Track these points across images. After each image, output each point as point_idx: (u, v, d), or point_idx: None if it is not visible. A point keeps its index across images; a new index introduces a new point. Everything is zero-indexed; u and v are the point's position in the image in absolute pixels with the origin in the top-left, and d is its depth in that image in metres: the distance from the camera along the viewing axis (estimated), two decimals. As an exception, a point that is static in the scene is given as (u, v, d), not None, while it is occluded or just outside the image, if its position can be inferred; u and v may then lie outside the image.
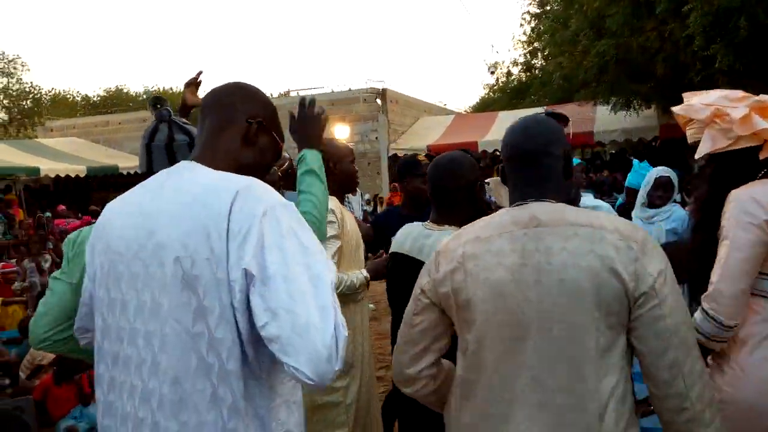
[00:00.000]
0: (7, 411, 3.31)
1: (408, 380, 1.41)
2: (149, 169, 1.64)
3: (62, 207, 11.73)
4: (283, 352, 1.00)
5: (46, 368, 4.39)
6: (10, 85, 27.20)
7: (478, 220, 1.36)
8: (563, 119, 1.51)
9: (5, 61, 27.22)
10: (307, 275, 1.04)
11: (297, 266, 1.04)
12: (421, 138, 14.24)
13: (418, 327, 1.36)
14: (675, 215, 3.54)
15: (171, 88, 30.35)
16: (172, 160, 1.58)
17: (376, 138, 14.57)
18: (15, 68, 27.50)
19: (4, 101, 27.46)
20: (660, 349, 1.16)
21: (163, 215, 1.12)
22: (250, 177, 1.15)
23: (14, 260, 7.47)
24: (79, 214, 11.75)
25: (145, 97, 28.66)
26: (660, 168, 3.69)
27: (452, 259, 1.30)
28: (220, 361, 1.05)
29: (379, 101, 14.85)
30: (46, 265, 7.71)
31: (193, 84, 3.01)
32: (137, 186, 1.26)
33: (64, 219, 10.81)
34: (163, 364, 1.07)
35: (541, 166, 1.31)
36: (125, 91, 31.86)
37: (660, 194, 3.52)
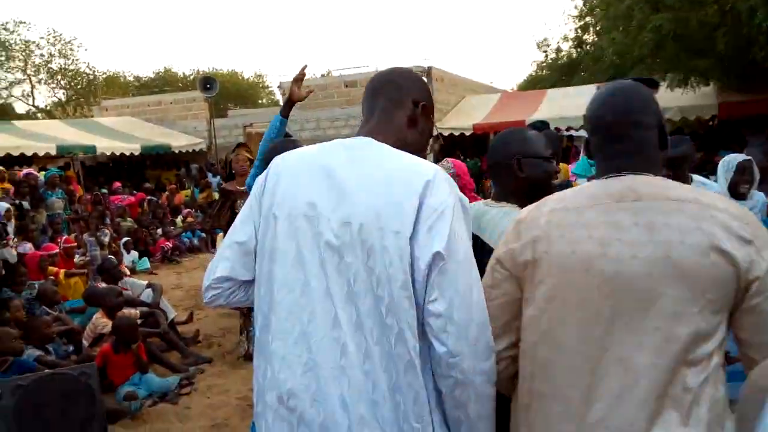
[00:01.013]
0: (73, 376, 3.50)
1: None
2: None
3: (118, 184, 12.17)
4: (441, 329, 1.14)
5: (106, 337, 4.63)
6: (68, 66, 28.23)
7: (564, 191, 1.30)
8: (653, 84, 1.37)
9: (62, 43, 28.22)
10: (476, 277, 1.19)
11: (468, 261, 1.18)
12: (466, 117, 14.05)
13: (496, 301, 1.28)
14: (761, 204, 3.27)
15: (218, 69, 30.86)
16: None
17: (422, 117, 14.48)
18: (72, 50, 28.49)
19: (62, 82, 28.53)
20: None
21: (353, 185, 1.22)
22: (433, 164, 1.25)
23: (75, 235, 7.83)
24: (134, 191, 12.19)
25: (193, 77, 29.21)
26: (734, 154, 3.41)
27: (534, 227, 1.24)
28: (398, 324, 1.15)
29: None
30: (105, 240, 8.06)
31: (300, 79, 3.12)
32: (316, 150, 1.34)
33: (119, 195, 11.23)
34: (345, 319, 1.18)
35: (630, 138, 1.23)
36: (174, 71, 32.51)
37: (746, 180, 3.24)
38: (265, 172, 1.37)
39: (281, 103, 16.52)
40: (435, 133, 1.48)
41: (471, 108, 14.84)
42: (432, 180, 1.18)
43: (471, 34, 75.98)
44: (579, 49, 20.74)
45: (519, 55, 64.00)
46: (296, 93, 3.13)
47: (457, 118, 14.26)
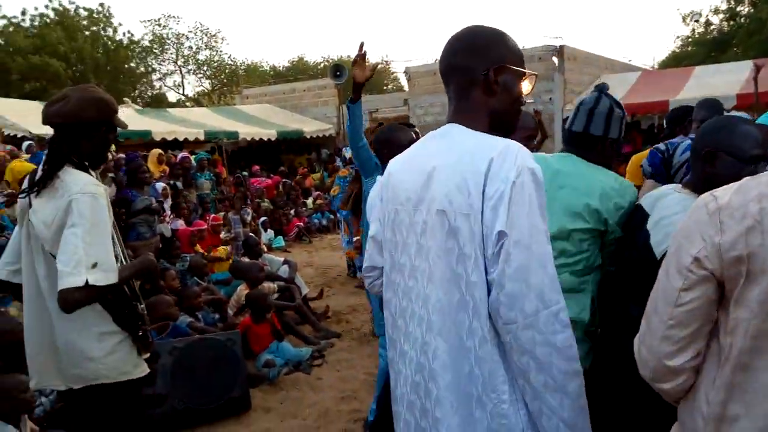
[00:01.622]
0: (221, 342, 3.85)
1: (667, 374, 1.17)
2: (585, 130, 2.00)
3: (256, 167, 13.04)
4: (495, 297, 1.20)
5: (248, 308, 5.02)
6: (212, 57, 30.65)
7: (763, 173, 1.11)
8: None
9: (208, 36, 30.67)
10: (538, 252, 1.20)
11: (529, 236, 1.19)
12: (601, 98, 13.21)
13: (687, 306, 1.11)
14: None
15: (347, 57, 31.79)
16: (607, 128, 1.97)
17: (550, 99, 13.86)
18: (216, 42, 30.87)
19: (208, 72, 31.04)
20: None
21: (435, 172, 1.31)
22: (506, 140, 1.27)
23: (221, 213, 8.53)
24: (270, 174, 13.00)
25: (323, 66, 30.35)
26: None
27: (744, 216, 1.05)
28: (473, 299, 1.24)
29: (555, 59, 14.04)
30: (248, 218, 8.71)
31: (360, 59, 3.11)
32: (417, 144, 1.47)
33: (258, 178, 12.04)
34: (433, 298, 1.30)
35: None
36: (306, 60, 34.00)
37: None
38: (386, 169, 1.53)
39: (406, 89, 16.77)
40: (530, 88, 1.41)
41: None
42: (496, 157, 1.22)
43: (606, 8, 71.09)
44: (732, 22, 18.63)
45: (660, 30, 58.82)
46: (359, 74, 3.11)
47: (590, 100, 13.43)
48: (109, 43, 24.86)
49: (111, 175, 6.35)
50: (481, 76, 1.33)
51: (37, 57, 20.26)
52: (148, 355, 2.15)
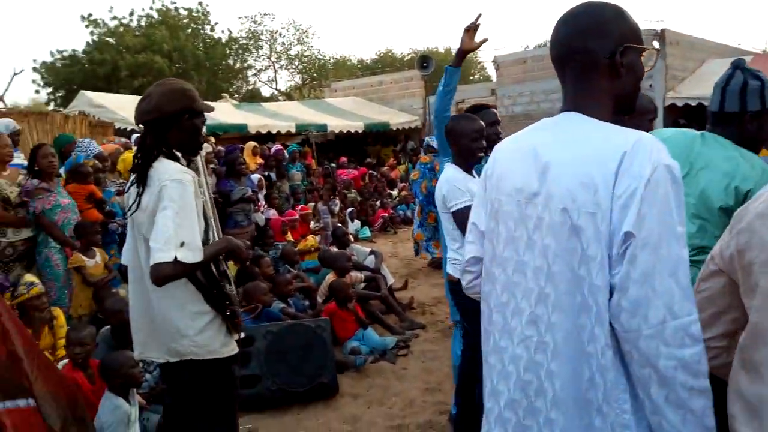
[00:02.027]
0: (311, 327, 3.99)
1: None
2: (720, 109, 1.96)
3: (344, 159, 13.31)
4: (616, 302, 1.13)
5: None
6: (303, 52, 31.49)
7: None
8: None
9: (300, 31, 31.54)
10: (669, 256, 1.11)
11: (659, 239, 1.10)
12: (706, 84, 12.27)
13: (703, 294, 1.34)
14: None
15: (434, 48, 31.62)
16: (743, 103, 1.91)
17: (651, 86, 13.07)
18: (307, 38, 31.68)
19: (299, 67, 31.94)
20: None
21: (556, 165, 1.23)
22: (639, 132, 1.18)
23: (311, 204, 8.80)
24: (357, 166, 13.23)
25: (410, 57, 30.36)
26: None
27: (741, 218, 1.24)
28: (597, 305, 1.16)
29: (656, 44, 13.22)
30: (336, 209, 8.94)
31: (472, 29, 3.11)
32: (528, 132, 1.38)
33: (345, 169, 12.29)
34: (552, 297, 1.23)
35: None
36: (393, 53, 34.14)
37: None
38: (489, 158, 1.47)
39: (494, 79, 16.45)
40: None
41: (712, 74, 12.89)
42: (628, 152, 1.13)
43: (715, -12, 65.79)
44: None
45: (777, 10, 53.68)
46: (467, 42, 3.12)
47: (695, 86, 12.58)
48: (208, 40, 26.20)
49: (212, 166, 6.70)
50: (605, 60, 1.24)
51: (144, 55, 21.72)
52: (238, 336, 2.28)
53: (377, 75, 20.84)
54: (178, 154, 2.20)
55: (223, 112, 12.40)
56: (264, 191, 7.88)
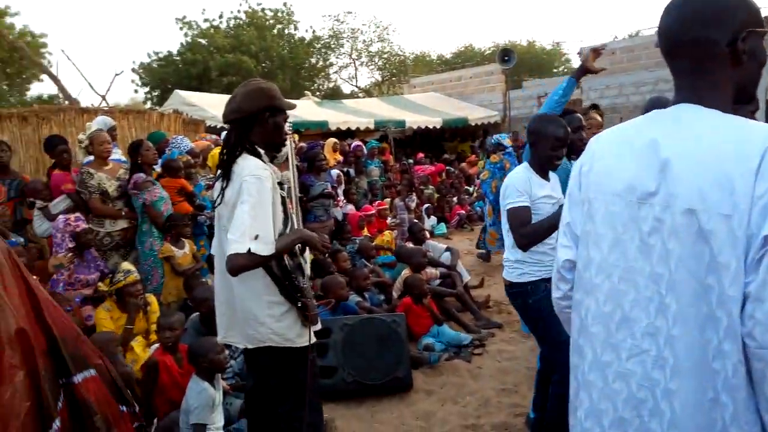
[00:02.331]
0: (387, 322, 4.02)
1: None
2: None
3: (421, 155, 13.29)
4: (749, 314, 1.02)
5: (411, 292, 5.16)
6: (384, 49, 31.75)
7: None
8: None
9: (381, 28, 31.82)
10: None
11: None
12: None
13: None
14: None
15: (516, 41, 30.91)
16: None
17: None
18: (387, 34, 31.93)
19: (379, 63, 32.24)
20: None
21: (679, 161, 1.11)
22: None
23: (387, 199, 8.86)
24: (434, 161, 13.18)
25: (491, 51, 29.83)
26: None
27: None
28: (729, 317, 1.05)
29: None
30: (412, 205, 8.96)
31: (600, 50, 3.17)
32: (633, 126, 1.26)
33: (422, 165, 12.28)
34: (674, 308, 1.11)
35: None
36: (473, 48, 33.70)
37: None
38: (583, 153, 1.35)
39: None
40: None
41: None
42: None
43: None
44: None
45: None
46: (590, 63, 3.18)
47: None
48: (293, 40, 26.99)
49: (296, 162, 6.91)
50: (725, 48, 1.14)
51: (233, 55, 22.70)
52: (315, 327, 2.33)
53: (457, 70, 20.65)
54: (261, 150, 2.30)
55: (305, 110, 12.75)
56: (343, 187, 8.02)
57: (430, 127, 14.67)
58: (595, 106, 3.87)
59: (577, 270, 1.31)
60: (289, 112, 2.41)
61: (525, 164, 2.88)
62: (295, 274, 2.24)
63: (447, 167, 12.39)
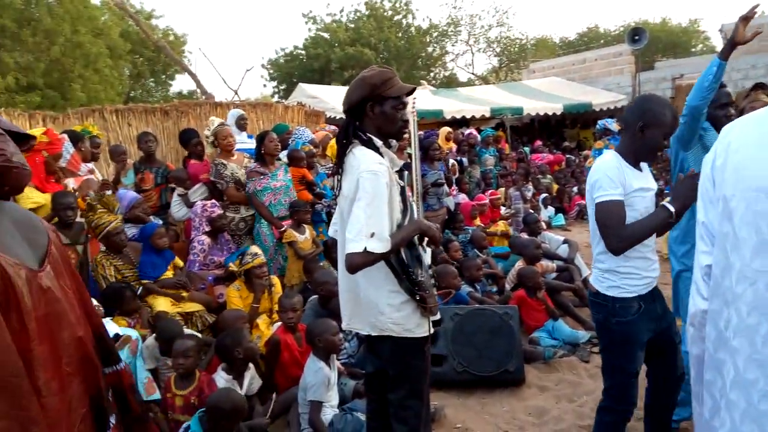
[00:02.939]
0: (498, 314, 3.96)
1: None
2: None
3: (539, 142, 12.86)
4: None
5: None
6: (502, 34, 30.99)
7: None
8: None
9: (500, 13, 31.07)
10: None
11: None
12: None
13: None
14: None
15: (647, 20, 28.69)
16: None
17: None
18: (507, 18, 31.08)
19: (497, 49, 31.51)
20: None
21: None
22: None
23: (501, 189, 8.70)
24: (553, 150, 12.69)
25: (618, 31, 27.99)
26: None
27: None
28: None
29: None
30: (528, 195, 8.71)
31: (747, 18, 2.82)
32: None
33: (539, 154, 11.88)
34: None
35: None
36: (598, 28, 31.83)
37: None
38: (714, 145, 1.20)
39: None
40: None
41: None
42: None
43: None
44: None
45: None
46: (741, 33, 2.79)
47: None
48: (409, 30, 27.15)
49: (408, 151, 6.98)
50: None
51: (353, 48, 23.34)
52: (434, 318, 2.35)
53: (581, 52, 19.64)
54: (377, 141, 2.27)
55: (421, 99, 12.80)
56: (456, 176, 7.98)
57: (550, 113, 14.12)
58: (761, 86, 3.35)
59: (713, 276, 1.18)
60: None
61: (613, 152, 2.48)
62: (413, 267, 2.25)
63: (566, 156, 11.88)
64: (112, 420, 1.61)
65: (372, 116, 2.24)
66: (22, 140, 1.46)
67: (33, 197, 4.00)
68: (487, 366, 3.82)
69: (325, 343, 3.34)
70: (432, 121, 12.28)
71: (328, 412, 3.26)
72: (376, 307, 2.26)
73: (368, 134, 2.26)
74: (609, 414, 2.53)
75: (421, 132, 8.36)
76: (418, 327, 2.28)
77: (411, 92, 2.31)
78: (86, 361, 1.48)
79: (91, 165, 4.88)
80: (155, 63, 22.08)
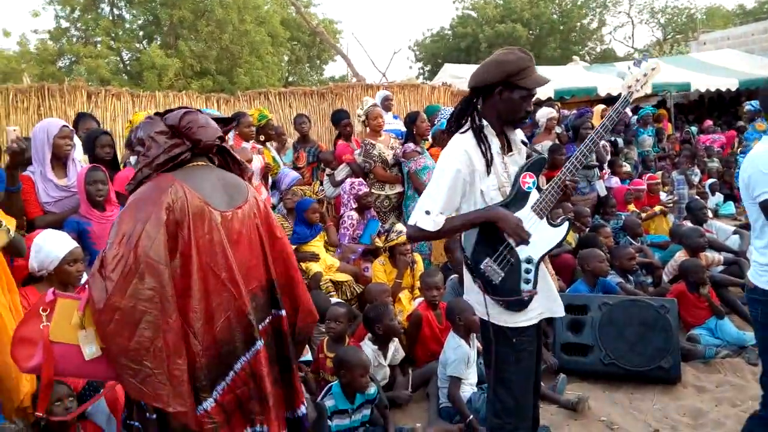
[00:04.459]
0: (654, 307, 3.69)
1: None
2: None
3: (709, 122, 11.60)
4: None
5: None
6: (668, 3, 28.20)
7: None
8: None
9: (666, -20, 28.25)
10: None
11: None
12: None
13: None
14: None
15: None
16: None
17: None
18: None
19: (662, 20, 28.78)
20: None
21: None
22: None
23: (659, 172, 8.00)
24: (724, 130, 11.38)
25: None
26: None
27: None
28: None
29: None
30: (695, 179, 7.93)
31: None
32: None
33: (709, 134, 10.71)
34: None
35: None
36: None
37: None
38: None
39: None
40: None
41: None
42: None
43: None
44: None
45: None
46: None
47: None
48: (564, 2, 25.74)
49: (558, 130, 6.70)
50: None
51: (504, 25, 22.71)
52: (527, 316, 2.18)
53: (762, 20, 17.26)
54: (485, 123, 2.19)
55: (572, 76, 12.14)
56: (609, 157, 7.49)
57: (723, 89, 12.61)
58: None
59: None
60: (553, 78, 2.27)
61: (766, 140, 2.26)
62: (470, 251, 2.16)
63: (740, 136, 10.58)
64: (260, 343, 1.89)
65: (498, 101, 2.16)
66: (226, 123, 2.12)
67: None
68: (637, 360, 3.60)
69: (465, 321, 3.37)
70: (584, 99, 11.59)
71: (467, 390, 3.31)
72: (470, 286, 2.27)
73: (484, 119, 2.19)
74: (764, 426, 2.28)
75: (566, 111, 7.97)
76: (501, 314, 2.17)
77: (543, 84, 2.18)
78: (233, 297, 1.83)
79: (252, 144, 5.32)
80: (311, 49, 23.33)
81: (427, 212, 2.10)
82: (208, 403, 1.76)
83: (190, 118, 1.90)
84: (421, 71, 26.66)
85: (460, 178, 2.11)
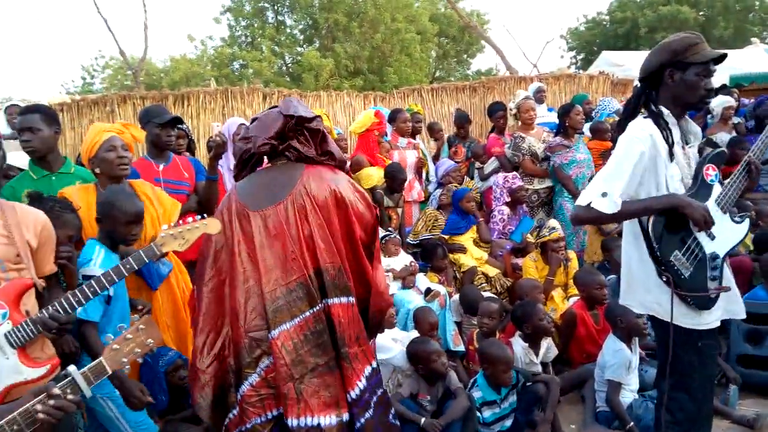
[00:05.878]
0: None
1: None
2: None
3: None
4: None
5: None
6: None
7: None
8: None
9: None
10: None
11: None
12: None
13: None
14: None
15: None
16: None
17: None
18: None
19: None
20: None
21: None
22: None
23: None
24: None
25: None
26: None
27: None
28: None
29: None
30: None
31: None
32: None
33: None
34: None
35: None
36: None
37: None
38: None
39: None
40: None
41: None
42: None
43: None
44: None
45: None
46: None
47: None
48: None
49: (735, 120, 6.04)
50: None
51: (669, 7, 20.80)
52: (710, 314, 2.05)
53: None
54: (665, 110, 2.10)
55: (751, 60, 10.79)
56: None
57: None
58: None
59: None
60: (731, 63, 2.12)
61: None
62: (659, 243, 2.02)
63: None
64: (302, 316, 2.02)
65: (670, 84, 2.07)
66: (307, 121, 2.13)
67: (369, 173, 4.73)
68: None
69: (627, 324, 3.20)
70: (765, 86, 10.26)
71: (627, 396, 3.15)
72: (641, 283, 2.12)
73: (659, 106, 2.10)
74: None
75: (746, 99, 7.11)
76: (685, 316, 2.01)
77: (720, 59, 2.05)
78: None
79: (408, 139, 5.48)
80: (459, 43, 23.30)
81: (604, 194, 2.00)
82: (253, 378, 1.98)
83: (249, 125, 2.22)
84: (573, 60, 25.37)
85: (643, 161, 2.03)
